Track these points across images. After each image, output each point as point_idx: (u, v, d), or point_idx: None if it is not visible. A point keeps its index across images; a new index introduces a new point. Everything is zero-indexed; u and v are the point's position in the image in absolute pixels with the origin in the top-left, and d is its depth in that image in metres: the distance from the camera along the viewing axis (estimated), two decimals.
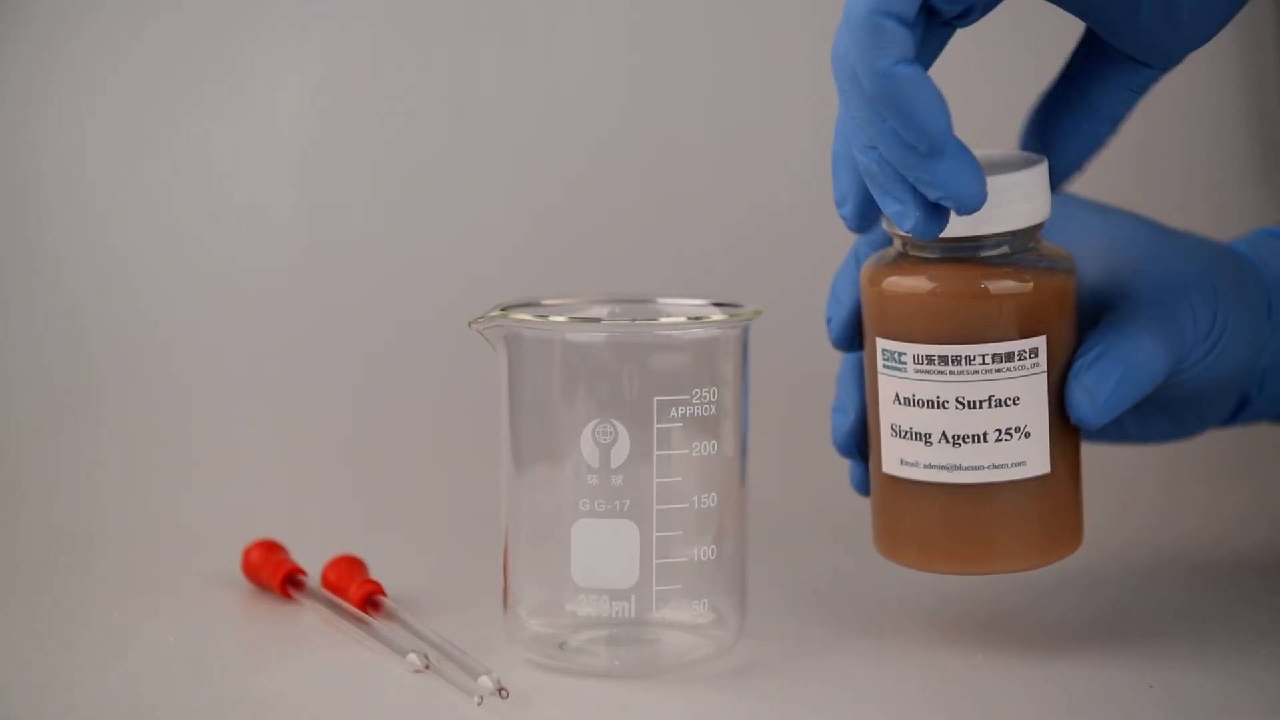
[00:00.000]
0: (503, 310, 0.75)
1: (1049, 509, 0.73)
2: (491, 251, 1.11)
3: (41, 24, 1.07)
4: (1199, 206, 1.13)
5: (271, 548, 0.87)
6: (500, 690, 0.71)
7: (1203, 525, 1.00)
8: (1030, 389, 0.72)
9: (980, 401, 0.72)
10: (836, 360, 0.81)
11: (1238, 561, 0.94)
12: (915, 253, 0.73)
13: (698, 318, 0.75)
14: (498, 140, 1.11)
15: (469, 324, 0.75)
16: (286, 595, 0.85)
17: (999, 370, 0.71)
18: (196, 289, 1.09)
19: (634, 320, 0.74)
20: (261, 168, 1.10)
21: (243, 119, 1.10)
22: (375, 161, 1.11)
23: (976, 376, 0.71)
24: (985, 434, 0.72)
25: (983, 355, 0.71)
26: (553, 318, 0.74)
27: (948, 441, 0.72)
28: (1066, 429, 0.74)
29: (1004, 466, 0.72)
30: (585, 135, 1.12)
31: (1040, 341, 0.72)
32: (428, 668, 0.74)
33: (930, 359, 0.72)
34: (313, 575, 0.85)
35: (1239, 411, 0.83)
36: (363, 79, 1.11)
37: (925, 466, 0.73)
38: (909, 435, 0.73)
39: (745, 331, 0.76)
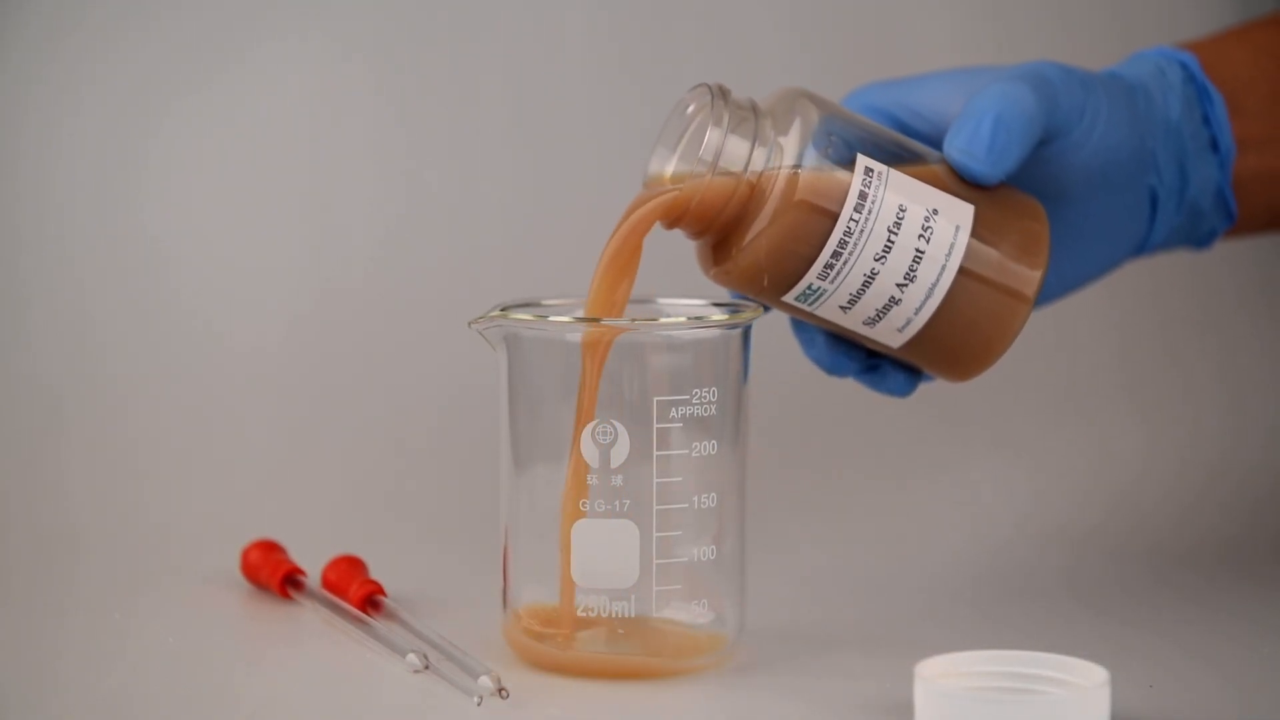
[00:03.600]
0: (503, 310, 0.75)
1: (1019, 219, 0.75)
2: (491, 251, 1.10)
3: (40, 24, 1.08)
4: None
5: (270, 548, 0.87)
6: (500, 690, 0.71)
7: (1204, 524, 1.00)
8: (898, 187, 0.73)
9: (890, 236, 0.73)
10: None
11: (1239, 561, 0.94)
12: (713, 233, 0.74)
13: (698, 318, 0.75)
14: (498, 140, 1.11)
15: (469, 324, 0.75)
16: (285, 595, 0.85)
17: (868, 209, 0.73)
18: (197, 288, 1.09)
19: (634, 320, 0.74)
20: (263, 167, 1.10)
21: (243, 115, 1.09)
22: (376, 161, 1.11)
23: (867, 230, 0.72)
24: (918, 249, 0.73)
25: (849, 223, 0.72)
26: (553, 318, 0.74)
27: (907, 282, 0.73)
28: (960, 183, 0.75)
29: (954, 246, 0.73)
30: (586, 135, 1.12)
31: (861, 161, 0.73)
32: (427, 668, 0.74)
33: (829, 265, 0.73)
34: (313, 575, 0.85)
35: (1153, 217, 0.82)
36: (364, 76, 1.11)
37: (916, 312, 0.74)
38: (882, 312, 0.74)
39: (745, 332, 0.76)
